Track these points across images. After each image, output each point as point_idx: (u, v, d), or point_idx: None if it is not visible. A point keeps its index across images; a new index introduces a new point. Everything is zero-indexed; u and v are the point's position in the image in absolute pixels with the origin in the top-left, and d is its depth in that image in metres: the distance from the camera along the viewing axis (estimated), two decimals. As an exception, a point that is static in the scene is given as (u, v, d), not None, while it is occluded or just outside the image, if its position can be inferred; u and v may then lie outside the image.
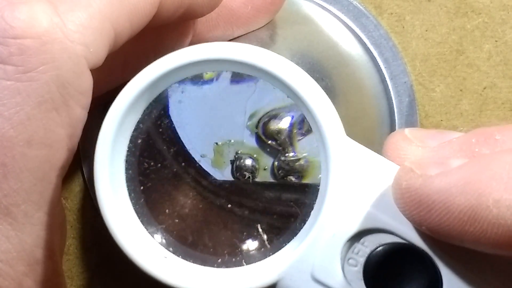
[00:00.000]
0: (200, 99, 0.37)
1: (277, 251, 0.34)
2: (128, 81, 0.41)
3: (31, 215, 0.34)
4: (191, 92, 0.36)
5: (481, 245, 0.28)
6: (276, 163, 0.38)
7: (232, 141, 0.37)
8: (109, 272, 0.45)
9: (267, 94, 0.36)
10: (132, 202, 0.35)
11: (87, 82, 0.33)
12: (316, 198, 0.33)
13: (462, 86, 0.43)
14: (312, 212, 0.33)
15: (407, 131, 0.33)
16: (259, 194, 0.37)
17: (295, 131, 0.38)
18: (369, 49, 0.44)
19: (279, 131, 0.38)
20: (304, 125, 0.38)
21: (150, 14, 0.35)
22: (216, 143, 0.37)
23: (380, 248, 0.32)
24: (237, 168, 0.38)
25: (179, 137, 0.37)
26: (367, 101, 0.43)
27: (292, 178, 0.37)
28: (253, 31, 0.42)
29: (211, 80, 0.36)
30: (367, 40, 0.44)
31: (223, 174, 0.38)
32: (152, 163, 0.36)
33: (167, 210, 0.36)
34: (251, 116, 0.38)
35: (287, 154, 0.38)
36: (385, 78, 0.44)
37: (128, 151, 0.35)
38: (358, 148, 0.32)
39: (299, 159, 0.37)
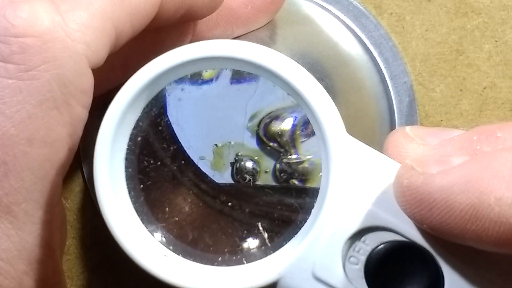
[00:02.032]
0: (200, 99, 0.37)
1: (278, 249, 0.34)
2: (127, 80, 0.41)
3: (31, 214, 0.34)
4: (190, 91, 0.36)
5: (483, 243, 0.28)
6: (278, 165, 0.38)
7: (232, 142, 0.37)
8: (109, 272, 0.45)
9: (268, 93, 0.36)
10: (132, 201, 0.35)
11: (88, 81, 0.33)
12: (316, 196, 0.33)
13: (462, 86, 0.43)
14: (313, 210, 0.33)
15: (408, 128, 0.33)
16: (260, 195, 0.37)
17: (298, 132, 0.38)
18: (369, 49, 0.44)
19: (281, 133, 0.37)
20: (308, 127, 0.37)
21: (151, 15, 0.35)
22: (216, 145, 0.37)
23: (381, 246, 0.32)
24: (237, 170, 0.37)
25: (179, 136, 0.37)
26: (367, 101, 0.43)
27: (295, 182, 0.37)
28: (253, 31, 0.42)
29: (210, 80, 0.36)
30: (367, 40, 0.44)
31: (223, 176, 0.37)
32: (152, 161, 0.36)
33: (167, 209, 0.36)
34: (251, 117, 0.37)
35: (289, 156, 0.37)
36: (385, 78, 0.44)
37: (127, 149, 0.34)
38: (359, 146, 0.32)
39: (302, 162, 0.37)
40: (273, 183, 0.38)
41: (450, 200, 0.28)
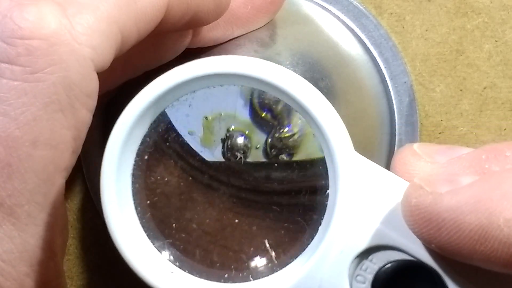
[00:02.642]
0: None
1: (285, 266, 0.34)
2: (127, 80, 0.41)
3: (34, 216, 0.34)
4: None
5: (491, 264, 0.28)
6: (269, 140, 0.37)
7: (223, 114, 0.37)
8: (109, 272, 0.45)
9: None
10: (138, 216, 0.35)
11: (93, 85, 0.33)
12: (324, 214, 0.33)
13: (462, 86, 0.43)
14: (320, 228, 0.33)
15: (416, 146, 0.33)
16: (266, 196, 0.37)
17: None
18: (369, 49, 0.44)
19: (277, 100, 0.37)
20: None
21: (156, 20, 0.35)
22: (206, 117, 0.37)
23: (389, 265, 0.32)
24: (228, 148, 0.37)
25: (186, 150, 0.37)
26: (367, 101, 0.43)
27: (284, 157, 0.37)
28: (253, 31, 0.42)
29: None
30: (367, 40, 0.44)
31: (213, 153, 0.37)
32: (158, 177, 0.36)
33: (174, 225, 0.36)
34: None
35: (281, 130, 0.37)
36: (385, 78, 0.44)
37: (134, 164, 0.34)
38: (367, 164, 0.32)
39: (293, 134, 0.37)
40: (263, 159, 0.37)
41: (459, 220, 0.28)
